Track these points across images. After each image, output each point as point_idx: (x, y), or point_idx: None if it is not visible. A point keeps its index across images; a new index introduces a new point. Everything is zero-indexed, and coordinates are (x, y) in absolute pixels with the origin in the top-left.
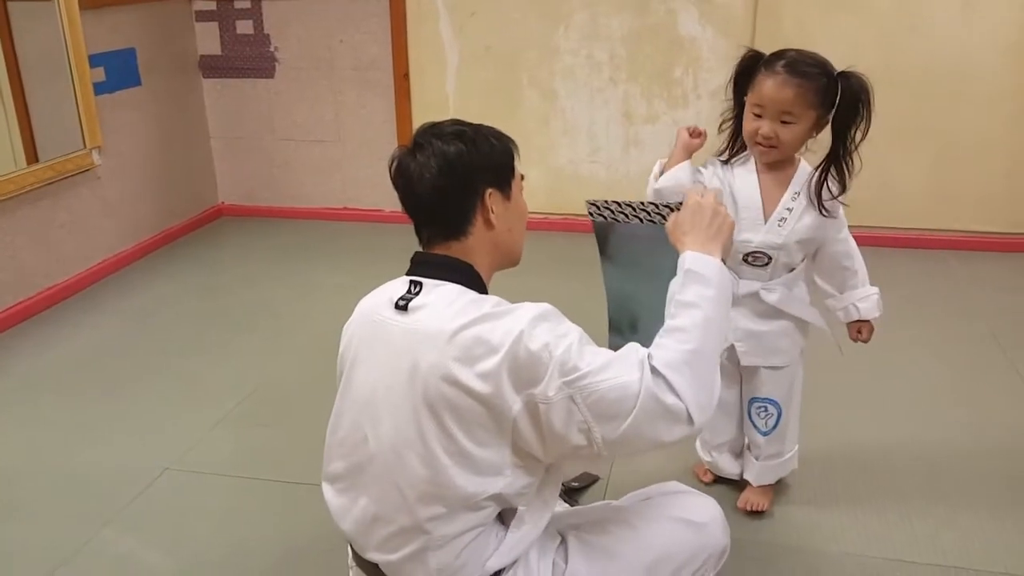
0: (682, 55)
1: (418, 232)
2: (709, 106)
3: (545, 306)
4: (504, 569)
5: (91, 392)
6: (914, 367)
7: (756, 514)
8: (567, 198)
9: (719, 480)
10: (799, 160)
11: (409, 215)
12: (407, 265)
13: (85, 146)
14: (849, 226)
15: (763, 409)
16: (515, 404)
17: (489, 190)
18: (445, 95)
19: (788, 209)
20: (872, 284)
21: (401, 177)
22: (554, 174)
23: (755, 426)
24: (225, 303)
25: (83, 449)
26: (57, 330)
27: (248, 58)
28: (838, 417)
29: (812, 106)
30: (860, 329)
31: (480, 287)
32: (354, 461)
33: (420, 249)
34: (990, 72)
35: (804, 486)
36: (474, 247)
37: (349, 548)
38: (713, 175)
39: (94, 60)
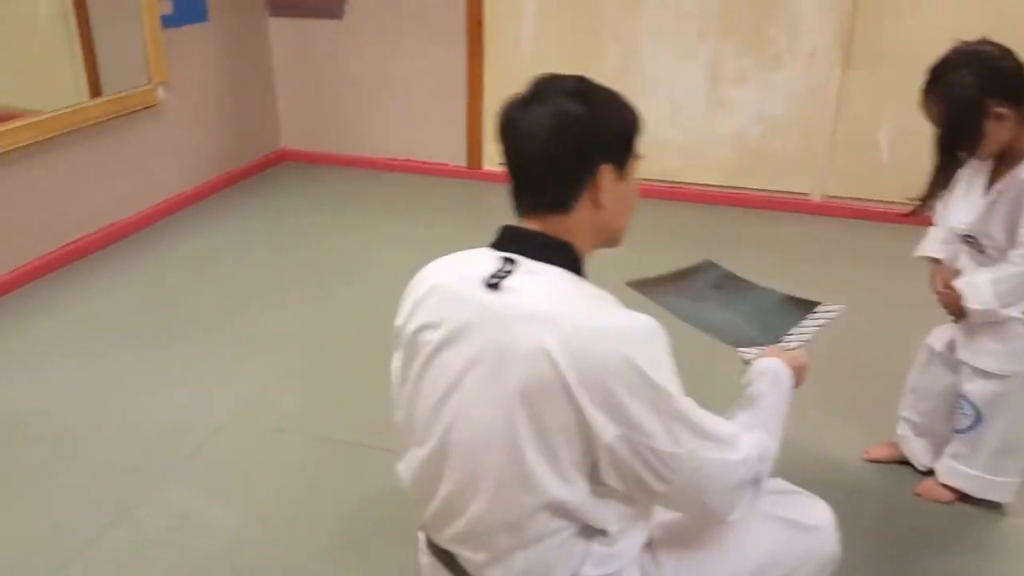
0: (779, 12)
1: (516, 196)
2: (805, 71)
3: (658, 329)
4: None
5: (148, 340)
6: None
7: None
8: (644, 164)
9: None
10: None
11: (510, 176)
12: (472, 225)
13: (150, 81)
14: None
15: (959, 406)
16: (607, 433)
17: (604, 166)
18: (520, 46)
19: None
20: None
21: (508, 132)
22: None
23: (954, 419)
24: (286, 251)
25: (140, 400)
26: (117, 271)
27: None
28: None
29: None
30: None
31: (580, 270)
32: (436, 448)
33: (514, 215)
34: None
35: None
36: (576, 224)
37: (421, 534)
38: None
39: None
